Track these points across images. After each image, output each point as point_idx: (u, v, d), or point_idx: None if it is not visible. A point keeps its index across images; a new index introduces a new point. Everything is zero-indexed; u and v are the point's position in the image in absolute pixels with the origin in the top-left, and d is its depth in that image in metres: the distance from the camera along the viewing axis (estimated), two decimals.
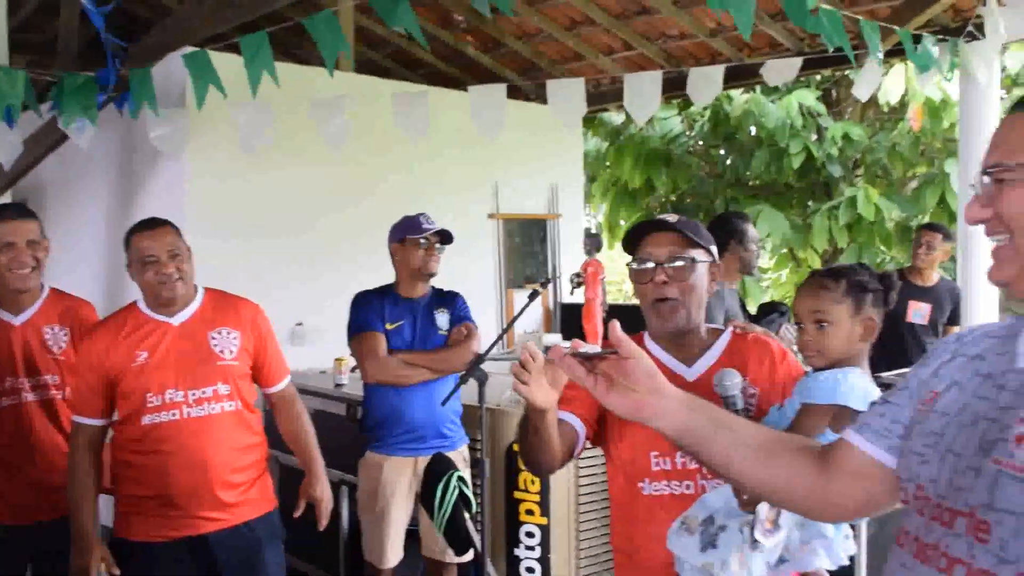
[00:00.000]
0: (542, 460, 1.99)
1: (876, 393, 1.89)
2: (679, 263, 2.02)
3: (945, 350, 1.40)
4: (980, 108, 5.52)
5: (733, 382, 1.86)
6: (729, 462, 1.44)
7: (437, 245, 3.71)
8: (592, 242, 1.74)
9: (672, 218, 2.10)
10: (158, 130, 4.42)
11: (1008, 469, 1.14)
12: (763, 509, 1.74)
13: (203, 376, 2.87)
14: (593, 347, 1.47)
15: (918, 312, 5.28)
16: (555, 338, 6.36)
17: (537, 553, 4.01)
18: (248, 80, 3.69)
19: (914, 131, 8.37)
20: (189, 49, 3.96)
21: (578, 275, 1.66)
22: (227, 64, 3.89)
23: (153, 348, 2.85)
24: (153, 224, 2.92)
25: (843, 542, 1.90)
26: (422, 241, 3.69)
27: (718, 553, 1.83)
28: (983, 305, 5.46)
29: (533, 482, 3.99)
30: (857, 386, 1.86)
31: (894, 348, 4.92)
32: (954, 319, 5.42)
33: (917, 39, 4.85)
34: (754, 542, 1.79)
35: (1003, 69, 7.63)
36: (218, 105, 4.22)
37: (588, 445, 2.15)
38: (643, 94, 4.68)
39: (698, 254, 2.05)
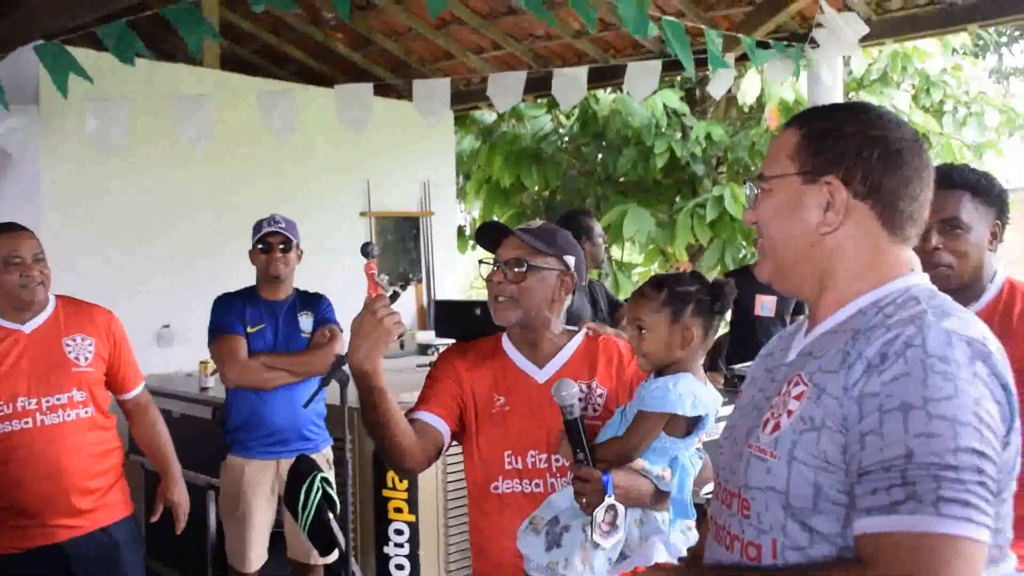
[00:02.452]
0: (392, 447, 2.03)
1: (708, 396, 1.99)
2: (518, 268, 2.12)
3: (761, 351, 1.56)
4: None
5: (570, 392, 1.93)
6: None
7: (281, 247, 3.66)
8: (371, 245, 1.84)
9: (535, 223, 2.22)
10: (6, 129, 4.22)
11: (755, 451, 1.31)
12: (600, 512, 1.83)
13: (57, 383, 2.83)
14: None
15: (765, 305, 5.46)
16: (429, 335, 6.39)
17: (406, 550, 4.03)
18: (121, 60, 3.54)
19: (771, 130, 8.68)
20: (40, 42, 3.79)
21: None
22: (82, 59, 3.73)
23: (3, 356, 2.80)
24: (16, 227, 2.89)
25: (681, 535, 2.00)
26: (260, 245, 3.66)
27: (562, 552, 1.90)
28: None
29: (401, 480, 4.00)
30: (687, 392, 1.95)
31: (746, 341, 5.11)
32: (799, 309, 5.65)
33: (764, 45, 5.07)
34: (595, 543, 1.88)
35: (849, 72, 8.02)
36: (72, 103, 4.07)
37: (454, 443, 2.22)
38: (507, 92, 4.76)
39: (545, 262, 2.14)
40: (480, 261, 2.29)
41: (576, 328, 2.28)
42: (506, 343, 2.22)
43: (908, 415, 1.15)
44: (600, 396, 2.14)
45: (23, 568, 2.78)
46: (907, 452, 1.14)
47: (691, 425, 1.99)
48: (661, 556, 1.93)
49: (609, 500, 1.83)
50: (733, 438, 1.42)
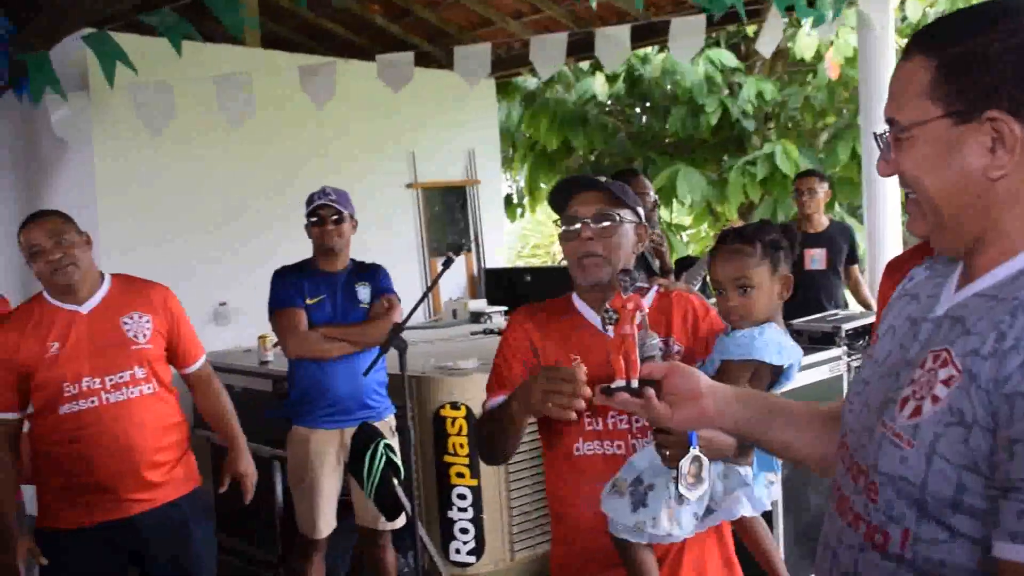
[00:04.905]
0: (508, 452, 2.10)
1: (791, 347, 1.94)
2: (605, 222, 2.05)
3: (902, 286, 1.36)
4: (876, 56, 5.72)
5: (653, 343, 1.87)
6: (787, 446, 1.45)
7: (334, 218, 3.71)
8: (630, 278, 1.70)
9: (601, 179, 2.13)
10: (61, 117, 4.33)
11: (889, 434, 1.13)
12: (685, 464, 1.77)
13: (118, 361, 2.88)
14: (619, 382, 1.51)
15: (815, 259, 5.41)
16: (480, 304, 6.44)
17: (470, 514, 4.11)
18: (172, 45, 3.63)
19: (832, 80, 8.51)
20: (88, 30, 3.90)
21: (608, 311, 1.64)
22: (126, 44, 3.83)
23: (64, 338, 2.85)
24: (38, 216, 2.91)
25: (765, 489, 1.96)
26: (313, 218, 3.73)
27: (648, 511, 1.87)
28: (889, 249, 5.68)
29: (462, 446, 4.07)
30: (772, 341, 1.90)
31: (800, 296, 5.07)
32: (852, 258, 5.59)
33: None
34: (680, 497, 1.82)
35: (903, 19, 7.86)
36: (120, 88, 4.17)
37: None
38: (549, 56, 4.75)
39: (624, 213, 2.08)
40: (555, 221, 2.17)
41: (647, 285, 2.23)
42: (578, 302, 2.16)
43: None
44: (677, 353, 2.08)
45: (96, 542, 2.86)
46: None
47: (776, 376, 1.94)
48: (746, 510, 1.91)
49: (694, 451, 1.76)
50: (866, 400, 1.23)
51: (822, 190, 5.43)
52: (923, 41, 1.15)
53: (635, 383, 1.49)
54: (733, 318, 1.97)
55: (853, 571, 1.19)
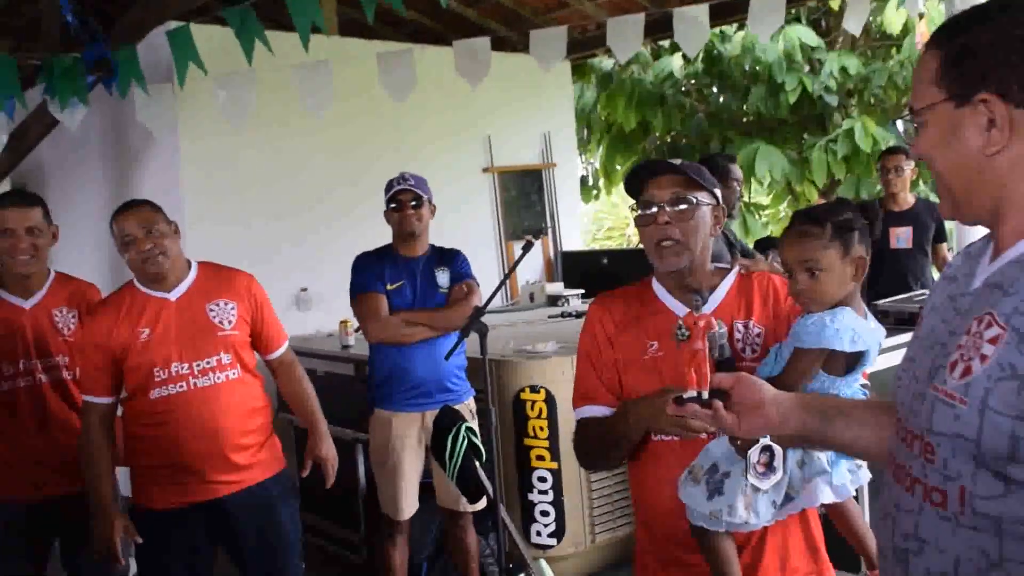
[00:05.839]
0: (620, 462, 2.16)
1: (868, 331, 1.89)
2: (682, 206, 2.03)
3: (944, 271, 1.45)
4: None
5: (719, 332, 1.89)
6: (850, 444, 1.53)
7: (412, 203, 3.75)
8: (701, 297, 1.70)
9: (675, 161, 2.11)
10: (147, 109, 4.45)
11: (941, 395, 1.21)
12: (754, 454, 1.77)
13: (205, 347, 2.96)
14: (690, 392, 1.59)
15: (900, 238, 5.27)
16: (558, 287, 6.44)
17: (550, 497, 4.13)
18: (243, 49, 3.72)
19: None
20: (173, 24, 3.99)
21: (680, 328, 1.69)
22: (212, 36, 3.92)
23: (154, 324, 2.94)
24: (129, 205, 3.00)
25: (848, 475, 1.92)
26: (393, 204, 3.76)
27: (724, 499, 1.86)
28: (978, 226, 5.49)
29: (542, 429, 4.09)
30: (845, 327, 1.85)
31: (885, 277, 4.96)
32: (940, 236, 5.43)
33: None
34: (753, 486, 1.83)
35: None
36: (206, 79, 4.26)
37: None
38: (626, 37, 4.70)
39: (701, 196, 2.06)
40: (632, 207, 2.15)
41: (728, 266, 2.20)
42: (657, 287, 2.15)
43: None
44: (758, 336, 2.06)
45: (187, 521, 2.95)
46: None
47: (852, 362, 1.90)
48: (827, 497, 1.89)
49: (764, 440, 1.76)
50: (913, 374, 1.33)
51: (908, 168, 5.28)
52: (937, 35, 1.30)
53: (705, 394, 1.57)
54: (803, 301, 1.93)
55: (913, 534, 1.26)
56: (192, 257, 3.15)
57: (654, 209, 2.04)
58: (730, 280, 2.14)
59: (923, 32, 7.86)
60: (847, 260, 1.89)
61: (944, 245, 5.47)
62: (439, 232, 3.99)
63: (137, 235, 2.90)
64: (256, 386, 3.10)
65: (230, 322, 3.03)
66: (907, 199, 5.36)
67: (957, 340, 1.23)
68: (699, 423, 1.71)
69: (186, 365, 2.93)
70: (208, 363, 2.95)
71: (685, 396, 1.58)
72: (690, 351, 1.60)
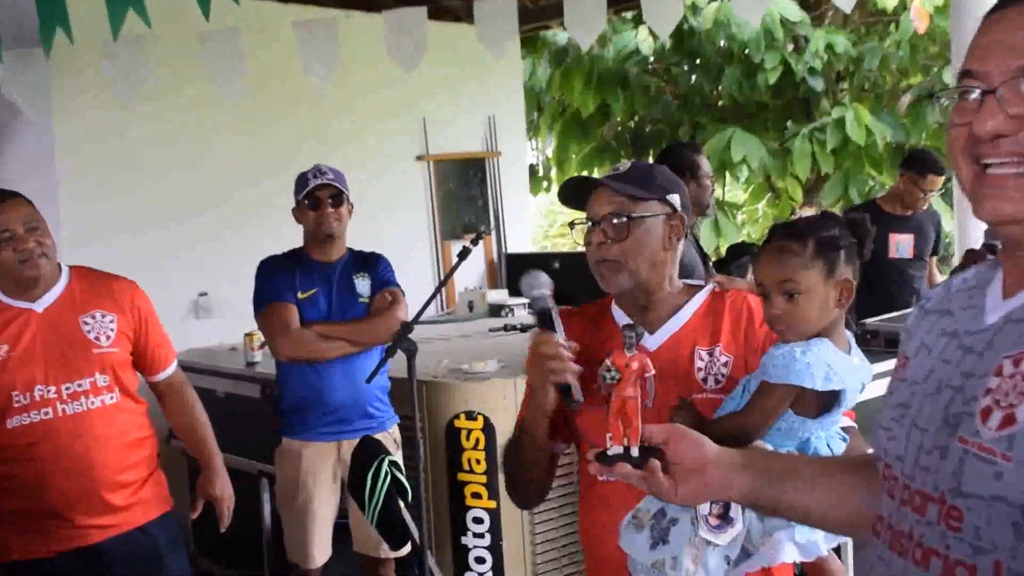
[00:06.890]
0: (537, 480, 2.19)
1: (847, 368, 1.87)
2: (618, 221, 2.03)
3: (920, 305, 1.41)
4: (972, 5, 5.62)
5: (538, 280, 1.95)
6: (806, 513, 1.50)
7: (331, 201, 3.72)
8: (635, 333, 1.66)
9: (624, 165, 2.12)
10: (12, 80, 4.34)
11: (975, 449, 1.13)
12: (704, 505, 1.74)
13: (77, 367, 2.88)
14: (616, 448, 1.53)
15: (901, 245, 5.31)
16: (501, 295, 6.43)
17: (487, 540, 4.10)
18: (109, 19, 3.62)
19: (917, 34, 8.38)
20: None
21: (609, 369, 1.64)
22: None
23: (15, 340, 2.85)
24: (4, 195, 2.91)
25: (813, 532, 1.86)
26: (308, 201, 3.73)
27: (669, 549, 1.81)
28: (981, 235, 5.60)
29: (479, 462, 4.06)
30: (818, 362, 1.82)
31: (880, 290, 5.01)
32: (936, 249, 5.51)
33: None
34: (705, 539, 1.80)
35: None
36: (86, 47, 4.17)
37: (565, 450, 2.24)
38: (585, 14, 4.69)
39: (648, 207, 2.06)
40: (570, 224, 2.19)
41: (701, 283, 2.19)
42: (615, 308, 2.16)
43: None
44: (724, 365, 2.05)
45: (58, 573, 2.87)
46: None
47: (827, 402, 1.87)
48: (790, 555, 1.86)
49: None
50: (913, 423, 1.27)
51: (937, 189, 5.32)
52: None
53: (635, 451, 1.50)
54: (778, 328, 1.90)
55: None
56: (68, 260, 3.08)
57: (590, 225, 2.07)
58: (699, 300, 2.14)
59: (917, 7, 8.01)
60: (831, 283, 1.86)
61: (934, 259, 5.55)
62: (364, 231, 3.97)
63: (17, 231, 2.83)
64: (138, 413, 3.04)
65: (108, 337, 2.96)
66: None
67: (982, 384, 1.17)
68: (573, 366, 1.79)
69: (53, 388, 2.85)
70: (80, 385, 2.88)
71: (610, 452, 1.51)
72: (619, 398, 1.56)
